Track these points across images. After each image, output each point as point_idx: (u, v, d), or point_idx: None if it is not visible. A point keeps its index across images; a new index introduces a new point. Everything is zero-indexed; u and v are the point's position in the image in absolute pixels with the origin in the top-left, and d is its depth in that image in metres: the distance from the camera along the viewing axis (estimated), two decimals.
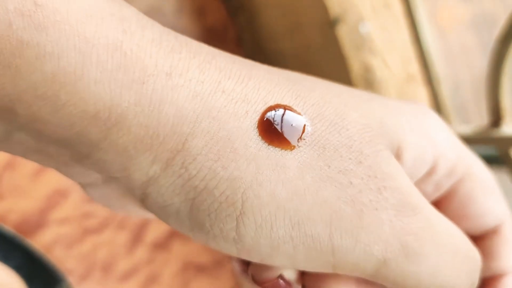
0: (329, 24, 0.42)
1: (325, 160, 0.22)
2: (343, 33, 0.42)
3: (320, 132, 0.22)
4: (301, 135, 0.22)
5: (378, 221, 0.22)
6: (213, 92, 0.21)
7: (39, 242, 0.45)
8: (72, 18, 0.19)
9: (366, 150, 0.22)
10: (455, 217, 0.27)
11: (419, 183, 0.26)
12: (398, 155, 0.24)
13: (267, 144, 0.21)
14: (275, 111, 0.22)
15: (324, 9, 0.42)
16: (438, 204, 0.27)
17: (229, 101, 0.21)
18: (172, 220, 0.22)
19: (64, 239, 0.46)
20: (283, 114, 0.22)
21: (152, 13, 0.50)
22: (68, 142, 0.20)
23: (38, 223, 0.45)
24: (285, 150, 0.21)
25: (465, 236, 0.25)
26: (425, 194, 0.26)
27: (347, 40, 0.42)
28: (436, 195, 0.27)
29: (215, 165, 0.21)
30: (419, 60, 0.45)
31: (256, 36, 0.56)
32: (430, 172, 0.25)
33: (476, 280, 0.25)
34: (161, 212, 0.22)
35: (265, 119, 0.21)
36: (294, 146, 0.21)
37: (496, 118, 0.38)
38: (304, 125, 0.22)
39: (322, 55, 0.46)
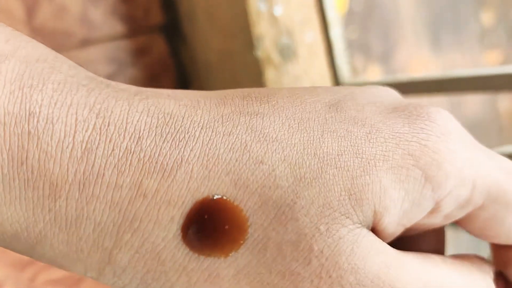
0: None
1: (266, 265, 0.19)
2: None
3: (262, 229, 0.19)
4: (238, 239, 0.19)
5: None
6: (132, 199, 0.19)
7: None
8: None
9: (319, 244, 0.19)
10: (480, 235, 0.24)
11: (422, 220, 0.22)
12: (375, 222, 0.21)
13: (196, 255, 0.19)
14: (204, 213, 0.19)
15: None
16: (457, 223, 0.24)
17: (152, 207, 0.19)
18: None
19: None
20: (213, 217, 0.19)
21: None
22: (5, 247, 0.20)
23: None
24: (219, 258, 0.19)
25: (468, 274, 0.22)
26: (433, 224, 0.23)
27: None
28: (449, 221, 0.24)
29: (145, 276, 0.19)
30: None
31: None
32: (433, 211, 0.22)
33: None
34: None
35: (189, 226, 0.19)
36: (229, 253, 0.19)
37: None
38: (242, 225, 0.19)
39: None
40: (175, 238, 0.19)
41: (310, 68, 0.54)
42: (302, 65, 0.54)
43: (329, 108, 0.21)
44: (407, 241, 0.24)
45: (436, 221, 0.23)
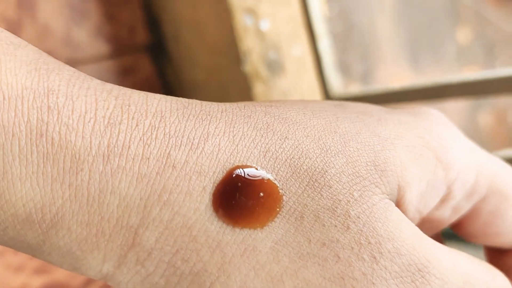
0: None
1: (305, 234, 0.19)
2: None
3: (297, 197, 0.19)
4: (274, 207, 0.18)
5: None
6: (161, 170, 0.18)
7: None
8: None
9: (355, 209, 0.19)
10: (482, 235, 0.24)
11: (434, 210, 0.23)
12: (399, 197, 0.21)
13: (231, 226, 0.18)
14: (237, 180, 0.18)
15: None
16: (461, 223, 0.24)
17: (182, 178, 0.18)
18: None
19: None
20: (247, 184, 0.18)
21: None
22: (8, 245, 0.18)
23: None
24: (255, 229, 0.18)
25: (488, 270, 0.22)
26: (442, 219, 0.23)
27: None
28: (456, 217, 0.24)
29: (174, 258, 0.18)
30: None
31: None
32: (444, 199, 0.22)
33: None
34: None
35: (223, 195, 0.18)
36: (265, 223, 0.18)
37: None
38: (277, 192, 0.19)
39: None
40: (208, 210, 0.18)
41: (298, 82, 0.54)
42: (291, 79, 0.54)
43: (335, 106, 0.22)
44: None
45: (446, 214, 0.23)
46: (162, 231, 0.18)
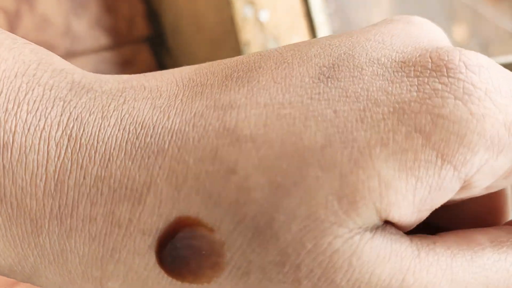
0: None
1: None
2: None
3: (241, 252, 0.17)
4: (217, 263, 0.17)
5: None
6: (108, 230, 0.18)
7: None
8: None
9: (307, 263, 0.16)
10: None
11: (454, 197, 0.18)
12: (383, 218, 0.17)
13: (180, 282, 0.18)
14: (177, 239, 0.17)
15: None
16: None
17: (128, 238, 0.18)
18: None
19: None
20: (187, 244, 0.17)
21: None
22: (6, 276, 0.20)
23: None
24: (202, 284, 0.18)
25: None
26: (474, 196, 0.19)
27: None
28: (494, 190, 0.20)
29: None
30: None
31: None
32: (464, 189, 0.18)
33: None
34: None
35: (165, 254, 0.18)
36: (211, 279, 0.17)
37: None
38: (219, 249, 0.17)
39: None
40: (157, 266, 0.18)
41: None
42: None
43: (318, 79, 0.18)
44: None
45: (474, 193, 0.19)
46: (121, 283, 0.19)
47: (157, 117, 0.18)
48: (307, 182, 0.16)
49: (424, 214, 0.18)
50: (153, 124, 0.18)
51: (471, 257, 0.18)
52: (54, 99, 0.19)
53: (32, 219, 0.18)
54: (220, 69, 0.20)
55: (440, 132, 0.17)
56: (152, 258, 0.18)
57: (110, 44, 0.56)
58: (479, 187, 0.18)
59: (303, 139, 0.17)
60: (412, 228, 0.18)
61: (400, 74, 0.17)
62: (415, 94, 0.17)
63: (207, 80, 0.19)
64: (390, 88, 0.17)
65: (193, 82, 0.20)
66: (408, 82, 0.17)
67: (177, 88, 0.19)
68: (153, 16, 0.58)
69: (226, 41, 0.53)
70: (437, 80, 0.17)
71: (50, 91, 0.19)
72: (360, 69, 0.18)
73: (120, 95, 0.19)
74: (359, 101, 0.17)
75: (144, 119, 0.18)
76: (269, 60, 0.19)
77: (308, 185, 0.16)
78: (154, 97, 0.19)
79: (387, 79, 0.17)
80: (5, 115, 0.18)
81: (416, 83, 0.17)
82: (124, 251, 0.18)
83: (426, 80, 0.17)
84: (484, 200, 0.21)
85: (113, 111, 0.19)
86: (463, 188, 0.18)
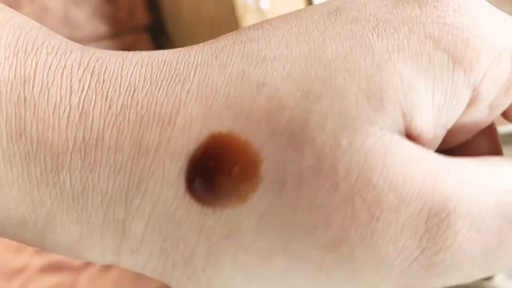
0: None
1: (290, 202, 0.17)
2: None
3: (277, 160, 0.17)
4: (252, 178, 0.17)
5: (378, 267, 0.17)
6: (135, 159, 0.17)
7: None
8: None
9: (343, 163, 0.16)
10: None
11: (463, 117, 0.19)
12: (407, 124, 0.18)
13: (212, 208, 0.17)
14: (208, 157, 0.17)
15: None
16: (508, 113, 0.20)
17: (156, 165, 0.17)
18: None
19: None
20: (219, 160, 0.17)
21: None
22: (12, 240, 0.18)
23: None
24: (236, 207, 0.17)
25: None
26: (478, 122, 0.20)
27: None
28: (497, 113, 0.20)
29: (164, 245, 0.18)
30: None
31: None
32: (472, 102, 0.19)
33: None
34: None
35: (195, 177, 0.17)
36: (245, 198, 0.17)
37: None
38: (254, 161, 0.17)
39: None
40: (187, 194, 0.17)
41: None
42: None
43: (328, 15, 0.19)
44: (456, 153, 0.21)
45: (481, 114, 0.19)
46: (147, 221, 0.18)
47: (179, 55, 0.19)
48: (337, 84, 0.17)
49: (440, 131, 0.19)
50: (175, 60, 0.18)
51: (491, 167, 0.19)
52: (72, 48, 0.19)
53: (53, 154, 0.17)
54: (230, 34, 0.20)
55: (447, 37, 0.18)
56: (181, 187, 0.17)
57: (110, 33, 0.55)
58: (486, 101, 0.19)
59: (325, 53, 0.18)
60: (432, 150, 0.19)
61: (401, 2, 0.19)
62: (418, 11, 0.19)
63: (220, 36, 0.20)
64: (395, 11, 0.19)
65: (208, 41, 0.20)
66: (409, 5, 0.19)
67: (195, 45, 0.20)
68: (153, 4, 0.57)
69: (227, 29, 0.53)
70: (434, 1, 0.19)
71: (67, 43, 0.19)
72: (363, 5, 0.19)
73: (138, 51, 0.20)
74: (369, 22, 0.19)
75: (166, 58, 0.19)
76: (276, 17, 0.20)
77: (338, 86, 0.17)
78: (174, 50, 0.19)
79: (390, 7, 0.19)
80: (24, 55, 0.18)
81: (418, 4, 0.19)
82: (152, 180, 0.17)
83: (425, 2, 0.19)
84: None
85: (133, 55, 0.19)
86: (471, 102, 0.19)
